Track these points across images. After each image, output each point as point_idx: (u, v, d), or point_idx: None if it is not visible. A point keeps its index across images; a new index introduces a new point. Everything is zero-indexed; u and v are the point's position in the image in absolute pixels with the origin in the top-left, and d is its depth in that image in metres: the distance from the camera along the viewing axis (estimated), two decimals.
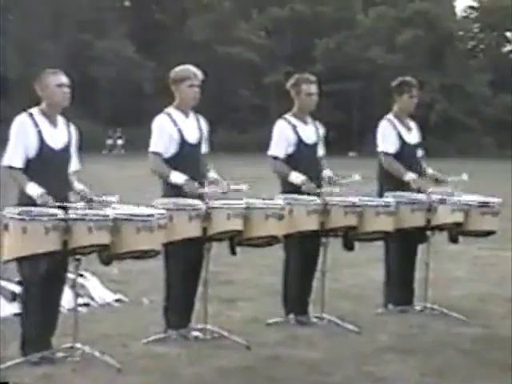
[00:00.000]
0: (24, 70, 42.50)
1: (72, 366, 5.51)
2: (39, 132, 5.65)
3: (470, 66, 59.40)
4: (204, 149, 6.50)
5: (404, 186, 7.12)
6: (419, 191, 7.10)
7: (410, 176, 7.12)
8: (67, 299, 6.20)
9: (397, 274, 7.39)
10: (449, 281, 8.77)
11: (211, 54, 52.49)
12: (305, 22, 57.62)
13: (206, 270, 6.28)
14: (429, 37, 56.64)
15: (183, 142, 6.31)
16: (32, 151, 5.63)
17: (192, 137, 6.37)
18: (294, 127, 6.89)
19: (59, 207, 5.41)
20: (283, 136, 6.87)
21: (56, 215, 5.30)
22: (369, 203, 6.76)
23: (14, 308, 6.53)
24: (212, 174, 6.42)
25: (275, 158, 6.89)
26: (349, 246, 6.87)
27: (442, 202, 7.00)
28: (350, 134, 52.69)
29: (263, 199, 6.37)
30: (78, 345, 5.63)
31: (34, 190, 5.47)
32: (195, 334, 6.29)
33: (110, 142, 48.00)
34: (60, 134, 5.77)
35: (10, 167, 5.62)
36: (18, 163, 5.61)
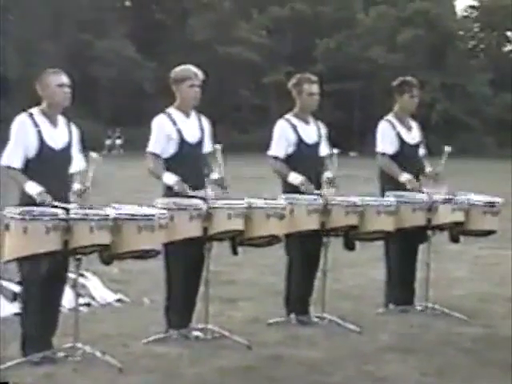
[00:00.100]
0: (24, 70, 42.52)
1: (73, 365, 5.50)
2: (39, 132, 5.65)
3: (471, 66, 59.42)
4: (207, 148, 6.50)
5: (405, 186, 7.13)
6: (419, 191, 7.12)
7: (404, 177, 7.13)
8: (68, 299, 6.21)
9: (397, 273, 7.39)
10: (449, 280, 8.77)
11: (212, 54, 52.52)
12: (305, 22, 57.65)
13: (206, 269, 6.28)
14: (429, 36, 56.67)
15: (182, 142, 6.31)
16: (32, 151, 5.63)
17: (192, 137, 6.36)
18: (295, 127, 6.89)
19: (58, 206, 5.42)
20: (283, 136, 6.87)
21: (57, 215, 5.30)
22: (370, 203, 6.76)
23: (15, 308, 6.53)
24: (214, 176, 6.41)
25: (275, 157, 6.89)
26: (350, 246, 6.87)
27: (443, 201, 7.00)
28: (350, 133, 52.66)
29: (264, 199, 6.37)
30: (79, 345, 5.63)
31: (32, 188, 5.48)
32: (196, 333, 6.29)
33: (108, 142, 47.92)
34: (60, 134, 5.77)
35: (9, 167, 5.62)
36: (17, 163, 5.61)
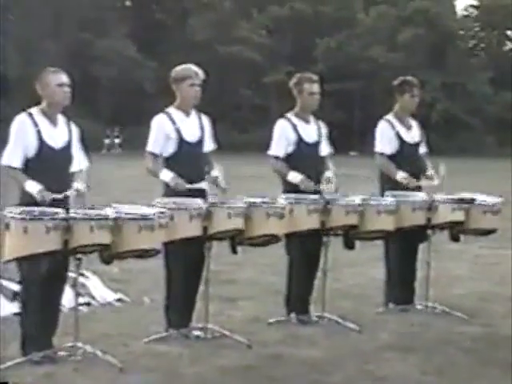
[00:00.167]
0: (24, 70, 42.49)
1: (73, 365, 5.51)
2: (38, 131, 5.65)
3: (471, 65, 59.39)
4: (208, 147, 6.50)
5: (404, 185, 7.14)
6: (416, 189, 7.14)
7: (400, 175, 7.14)
8: (68, 298, 6.21)
9: (397, 273, 7.39)
10: (450, 280, 8.77)
11: (212, 54, 52.50)
12: (305, 22, 57.63)
13: (206, 269, 6.28)
14: (429, 35, 56.65)
15: (181, 141, 6.31)
16: (31, 151, 5.64)
17: (192, 136, 6.37)
18: (295, 126, 6.89)
19: (59, 200, 5.43)
20: (283, 135, 6.88)
21: (57, 214, 5.31)
22: (370, 202, 6.76)
23: (15, 307, 6.53)
24: (214, 173, 6.40)
25: (275, 157, 6.89)
26: (349, 245, 6.87)
27: (443, 200, 7.01)
28: (351, 133, 52.64)
29: (264, 198, 6.37)
30: (80, 344, 5.63)
31: (32, 186, 5.48)
32: (196, 333, 6.29)
33: (107, 141, 47.86)
34: (60, 134, 5.77)
35: (9, 167, 5.62)
36: (17, 163, 5.62)
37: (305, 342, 6.28)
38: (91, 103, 48.30)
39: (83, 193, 5.67)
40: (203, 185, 6.22)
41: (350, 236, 6.81)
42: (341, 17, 58.70)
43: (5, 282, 6.95)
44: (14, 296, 6.73)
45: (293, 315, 6.87)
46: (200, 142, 6.42)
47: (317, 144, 6.98)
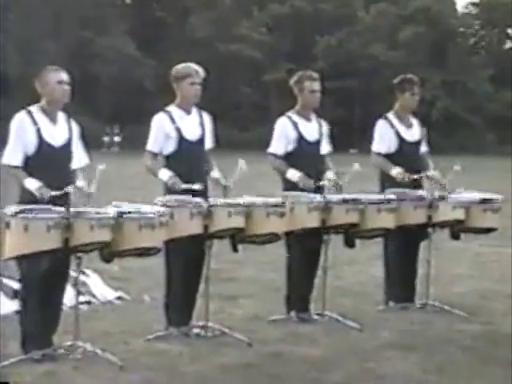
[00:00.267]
0: (24, 69, 42.43)
1: (74, 363, 5.51)
2: (38, 130, 5.64)
3: (472, 63, 59.38)
4: (208, 145, 6.50)
5: (405, 183, 7.13)
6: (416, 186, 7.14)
7: (395, 170, 7.14)
8: (68, 297, 6.20)
9: (397, 271, 7.39)
10: (450, 278, 8.77)
11: (212, 52, 52.48)
12: (306, 19, 57.63)
13: (207, 267, 6.28)
14: (430, 33, 56.64)
15: (181, 140, 6.31)
16: (31, 149, 5.63)
17: (192, 134, 6.36)
18: (296, 124, 6.88)
19: (58, 197, 5.43)
20: (283, 133, 6.87)
21: (57, 213, 5.30)
22: (370, 200, 6.76)
23: (15, 305, 6.52)
24: (214, 174, 6.39)
25: (274, 155, 6.89)
26: (350, 244, 6.86)
27: (443, 199, 7.01)
28: (351, 130, 52.62)
29: (264, 196, 6.37)
30: (80, 342, 5.63)
31: (32, 183, 5.49)
32: (196, 331, 6.29)
33: (106, 139, 47.78)
34: (60, 131, 5.76)
35: (9, 165, 5.62)
36: (17, 161, 5.62)
37: (305, 340, 6.27)
38: (91, 101, 48.28)
39: (90, 193, 5.63)
40: (197, 186, 6.17)
41: (351, 234, 6.80)
42: (341, 14, 58.70)
43: (5, 280, 6.95)
44: (14, 294, 6.73)
45: (293, 313, 6.87)
46: (201, 140, 6.42)
47: (317, 142, 6.97)
